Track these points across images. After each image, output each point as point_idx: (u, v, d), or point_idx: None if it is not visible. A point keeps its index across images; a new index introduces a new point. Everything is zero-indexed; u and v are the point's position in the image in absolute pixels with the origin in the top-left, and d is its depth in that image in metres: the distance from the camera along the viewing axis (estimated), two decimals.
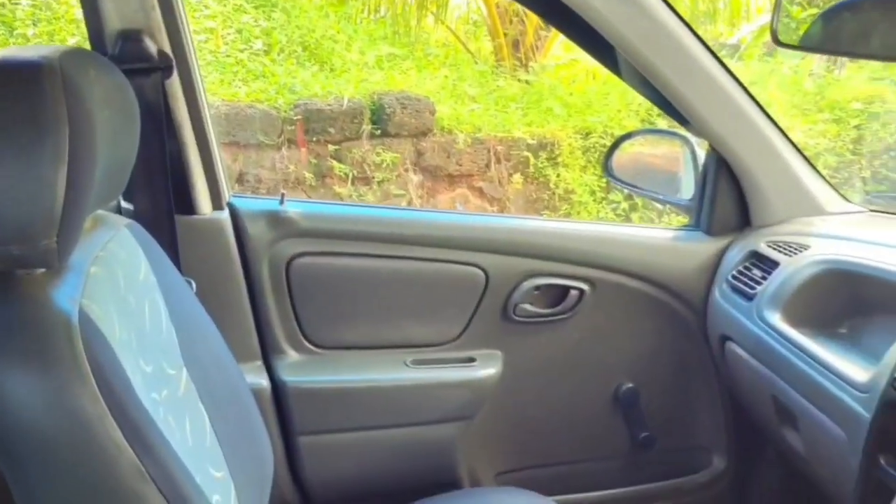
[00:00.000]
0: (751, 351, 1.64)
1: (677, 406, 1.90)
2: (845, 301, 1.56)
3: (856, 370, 1.36)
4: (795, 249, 1.65)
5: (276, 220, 1.66)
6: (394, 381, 1.72)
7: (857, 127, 5.53)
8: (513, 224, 1.84)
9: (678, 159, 1.99)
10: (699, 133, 1.74)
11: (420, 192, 5.25)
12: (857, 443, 1.29)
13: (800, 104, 5.78)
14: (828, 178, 1.88)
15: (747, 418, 1.84)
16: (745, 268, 1.74)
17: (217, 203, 1.66)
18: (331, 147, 4.94)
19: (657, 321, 1.85)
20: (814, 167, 1.82)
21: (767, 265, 1.68)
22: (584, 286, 1.78)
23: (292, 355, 1.70)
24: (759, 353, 1.61)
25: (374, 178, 5.04)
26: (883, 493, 1.22)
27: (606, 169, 1.97)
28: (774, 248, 1.70)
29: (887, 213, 1.84)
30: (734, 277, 1.74)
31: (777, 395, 1.57)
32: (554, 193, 5.50)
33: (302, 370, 1.69)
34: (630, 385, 1.86)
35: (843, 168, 5.29)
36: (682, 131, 1.88)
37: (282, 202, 1.67)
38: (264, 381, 1.66)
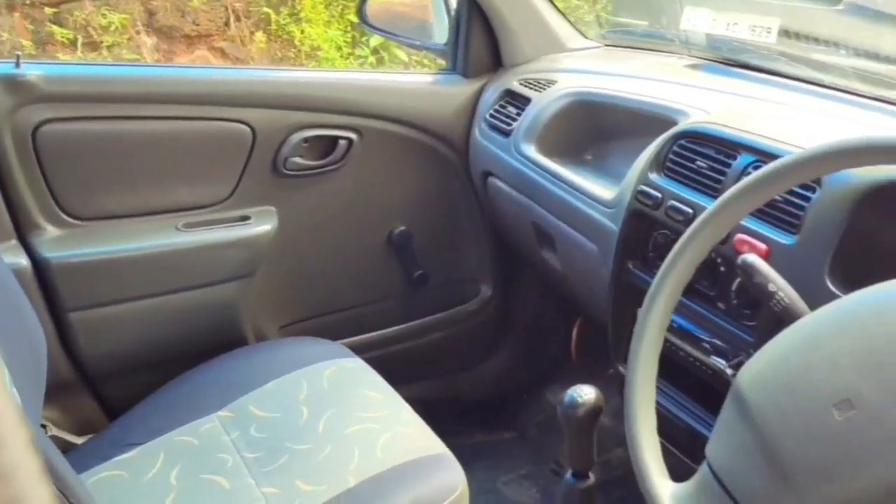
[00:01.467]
0: (511, 183, 1.77)
1: (447, 243, 2.02)
2: (590, 129, 1.70)
3: (603, 190, 1.51)
4: (544, 85, 1.77)
5: (13, 86, 1.50)
6: (165, 247, 1.67)
7: None
8: (277, 76, 1.80)
9: (429, 7, 2.02)
10: None
11: (156, 57, 4.92)
12: (608, 253, 1.45)
13: None
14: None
15: (509, 247, 2.00)
16: (501, 106, 1.84)
17: None
18: (48, 10, 4.45)
19: (424, 164, 1.92)
20: (555, 6, 1.93)
21: (520, 102, 1.79)
22: (352, 135, 1.80)
23: (51, 230, 1.59)
24: (518, 184, 1.74)
25: (102, 42, 4.63)
26: (632, 293, 1.40)
27: (361, 16, 1.96)
28: (526, 86, 1.80)
29: (621, 46, 2.00)
30: (491, 116, 1.84)
31: (536, 221, 1.71)
32: (300, 51, 5.37)
33: (63, 245, 1.59)
34: (402, 228, 1.94)
35: (571, 11, 5.60)
36: None
37: (17, 65, 1.51)
38: (23, 261, 1.55)
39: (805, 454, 0.77)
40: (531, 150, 1.70)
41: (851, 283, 1.04)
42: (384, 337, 1.99)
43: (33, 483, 0.39)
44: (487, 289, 2.08)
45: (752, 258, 0.98)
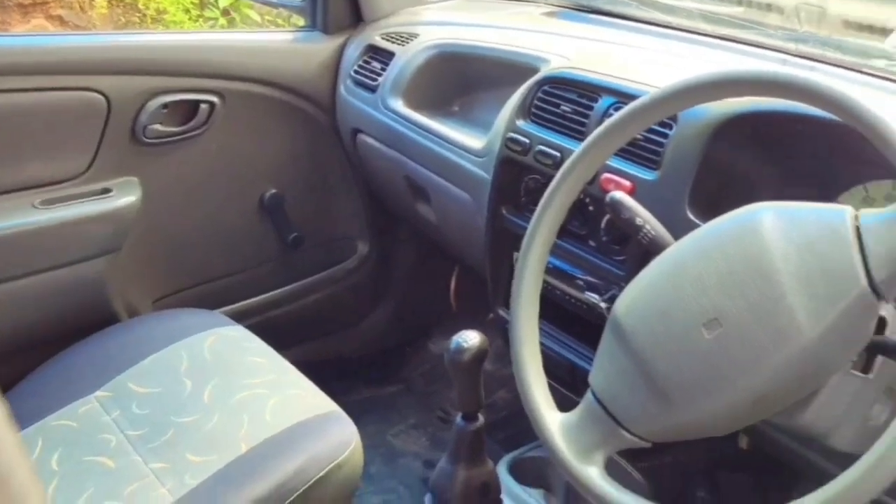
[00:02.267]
0: (381, 139, 1.77)
1: (320, 203, 2.01)
2: (455, 81, 1.72)
3: (472, 140, 1.54)
4: (406, 39, 1.77)
5: None
6: (23, 227, 1.58)
7: None
8: (129, 40, 1.72)
9: None
10: None
11: None
12: (482, 202, 1.48)
13: None
14: None
15: (383, 203, 2.00)
16: (365, 62, 1.83)
17: None
18: None
19: (290, 125, 1.89)
20: None
21: (384, 57, 1.79)
22: (213, 99, 1.75)
23: None
24: (388, 139, 1.74)
25: None
26: (507, 238, 1.44)
27: None
28: (388, 40, 1.80)
29: None
30: (356, 73, 1.83)
31: (409, 175, 1.72)
32: (145, 15, 5.13)
33: None
34: (274, 191, 1.91)
35: None
36: None
37: None
38: None
39: (679, 372, 0.83)
40: (398, 105, 1.71)
41: (710, 211, 1.11)
42: (264, 302, 1.96)
43: (29, 483, 0.38)
44: (364, 246, 2.08)
45: (619, 195, 1.02)
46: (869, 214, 0.78)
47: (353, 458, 1.26)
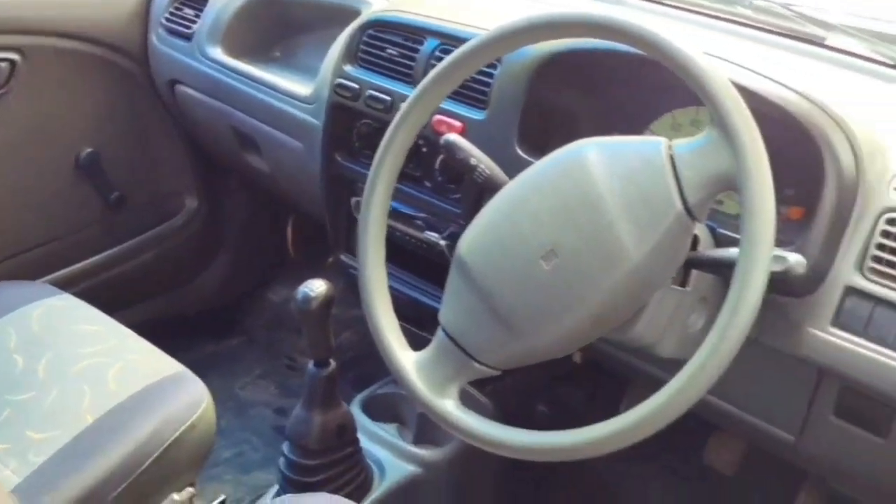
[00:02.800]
0: (201, 89, 1.71)
1: (141, 159, 1.92)
2: (274, 25, 1.69)
3: (299, 86, 1.53)
4: None
5: None
6: None
7: None
8: None
9: None
10: None
11: None
12: (314, 149, 1.48)
13: None
14: None
15: (210, 155, 1.95)
16: (176, 8, 1.75)
17: None
18: None
19: (102, 79, 1.79)
20: None
21: (196, 2, 1.72)
22: (13, 56, 1.63)
23: None
24: (209, 89, 1.69)
25: None
26: (344, 184, 1.46)
27: None
28: None
29: None
30: (167, 20, 1.75)
31: (235, 126, 1.68)
32: None
33: None
34: (90, 150, 1.81)
35: None
36: None
37: None
38: None
39: (522, 303, 0.89)
40: (217, 53, 1.66)
41: (538, 148, 1.17)
42: (92, 267, 1.88)
43: None
44: (192, 200, 2.02)
45: (452, 137, 1.05)
46: (681, 144, 0.85)
47: (206, 416, 1.25)
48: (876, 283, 0.96)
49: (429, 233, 1.35)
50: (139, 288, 1.98)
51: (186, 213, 2.03)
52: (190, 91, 1.75)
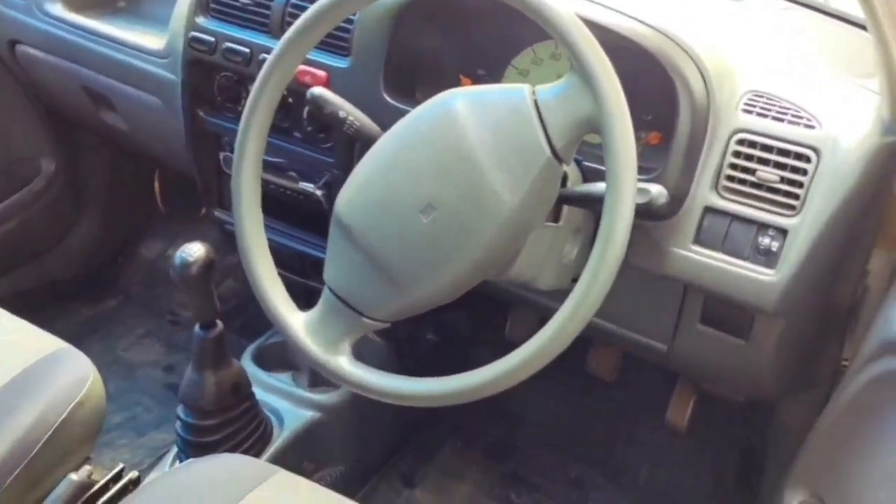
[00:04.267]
0: (45, 49, 1.61)
1: None
2: None
3: (151, 39, 1.46)
4: None
5: None
6: None
7: None
8: None
9: None
10: None
11: None
12: (175, 105, 1.43)
13: None
14: None
15: (64, 116, 1.85)
16: None
17: None
18: None
19: None
20: None
21: None
22: None
23: None
24: (54, 48, 1.59)
25: None
26: (209, 139, 1.42)
27: None
28: None
29: None
30: None
31: (87, 85, 1.60)
32: None
33: None
34: None
35: None
36: None
37: None
38: None
39: (405, 258, 0.90)
40: (57, 8, 1.56)
41: (406, 93, 1.17)
42: None
43: None
44: (49, 163, 1.92)
45: (318, 91, 1.05)
46: (543, 90, 0.88)
47: (94, 391, 1.21)
48: (730, 200, 1.03)
49: (303, 183, 1.34)
50: (4, 259, 1.89)
51: (44, 177, 1.92)
52: (32, 51, 1.64)
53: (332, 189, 1.30)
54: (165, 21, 1.43)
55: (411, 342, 1.66)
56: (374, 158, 0.94)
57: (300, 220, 1.39)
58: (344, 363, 0.95)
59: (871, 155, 0.99)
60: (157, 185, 2.09)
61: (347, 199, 0.94)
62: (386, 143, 0.94)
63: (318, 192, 1.33)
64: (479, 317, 1.75)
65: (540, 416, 1.70)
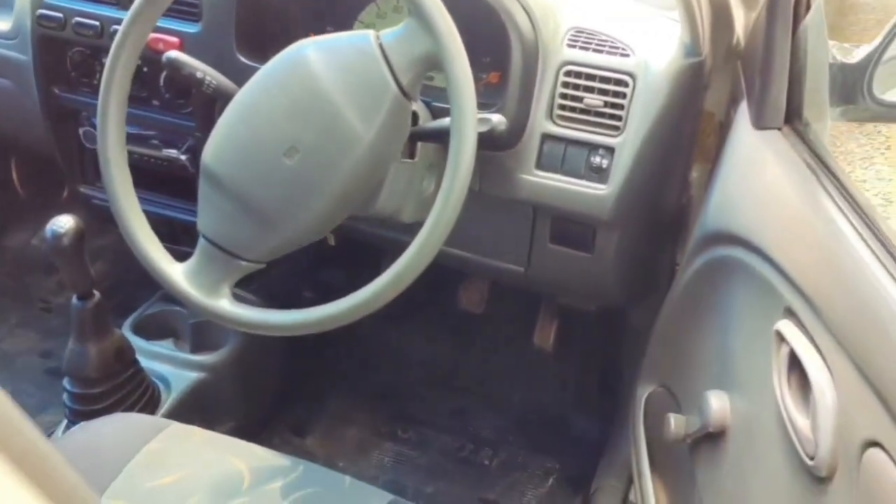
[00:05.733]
0: None
1: None
2: None
3: None
4: None
5: None
6: None
7: None
8: None
9: None
10: None
11: None
12: (28, 85, 1.43)
13: None
14: None
15: None
16: None
17: None
18: None
19: None
20: None
21: None
22: None
23: None
24: None
25: None
26: (66, 117, 1.43)
27: None
28: None
29: None
30: None
31: None
32: None
33: None
34: None
35: None
36: None
37: None
38: None
39: (274, 198, 0.98)
40: None
41: (258, 52, 1.23)
42: None
43: None
44: None
45: (174, 54, 1.10)
46: (387, 34, 0.96)
47: None
48: (564, 126, 1.15)
49: (167, 150, 1.38)
50: None
51: None
52: None
53: (196, 153, 1.34)
54: (8, 3, 1.42)
55: (289, 301, 1.72)
56: (234, 109, 1.00)
57: (167, 187, 1.42)
58: (226, 305, 1.02)
59: (677, 75, 1.13)
60: (14, 171, 2.05)
61: (213, 150, 1.00)
62: (244, 94, 1.00)
63: (183, 157, 1.37)
64: (354, 271, 1.83)
65: (419, 357, 1.80)
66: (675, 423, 1.12)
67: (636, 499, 1.28)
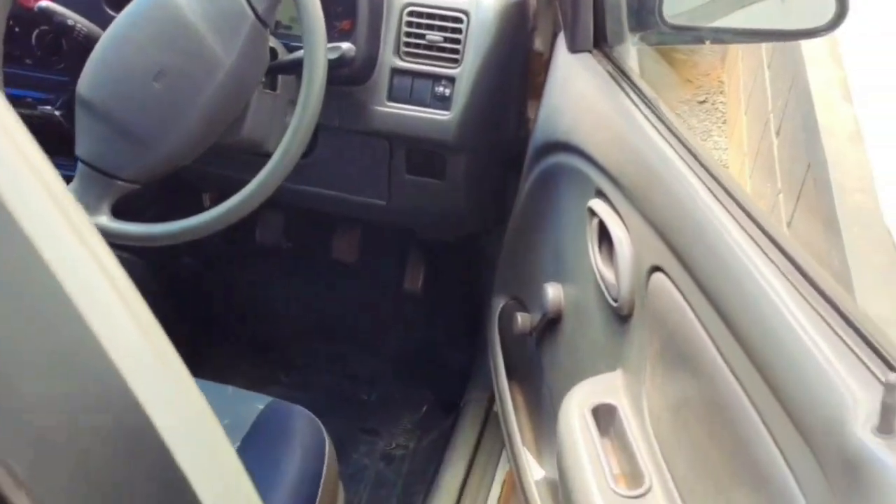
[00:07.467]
0: None
1: None
2: None
3: None
4: None
5: None
6: None
7: None
8: None
9: None
10: None
11: None
12: None
13: None
14: None
15: None
16: None
17: None
18: None
19: None
20: None
21: None
22: None
23: None
24: None
25: None
26: None
27: None
28: None
29: None
30: None
31: None
32: None
33: None
34: None
35: None
36: None
37: None
38: None
39: (146, 120, 1.08)
40: None
41: (124, 3, 1.32)
42: None
43: None
44: None
45: (45, 3, 1.19)
46: None
47: None
48: (410, 61, 1.29)
49: (42, 107, 1.45)
50: None
51: None
52: None
53: (71, 107, 1.42)
54: None
55: (170, 267, 1.80)
56: (104, 42, 1.10)
57: (45, 147, 1.48)
58: (105, 220, 1.11)
59: (503, 12, 1.29)
60: None
61: (87, 79, 1.10)
62: (114, 28, 1.10)
63: (58, 113, 1.44)
64: (230, 233, 1.92)
65: (298, 310, 1.90)
66: (521, 320, 1.28)
67: (497, 403, 1.43)
